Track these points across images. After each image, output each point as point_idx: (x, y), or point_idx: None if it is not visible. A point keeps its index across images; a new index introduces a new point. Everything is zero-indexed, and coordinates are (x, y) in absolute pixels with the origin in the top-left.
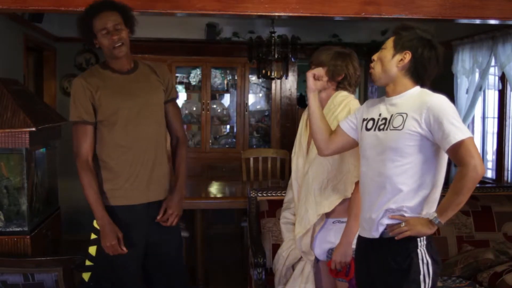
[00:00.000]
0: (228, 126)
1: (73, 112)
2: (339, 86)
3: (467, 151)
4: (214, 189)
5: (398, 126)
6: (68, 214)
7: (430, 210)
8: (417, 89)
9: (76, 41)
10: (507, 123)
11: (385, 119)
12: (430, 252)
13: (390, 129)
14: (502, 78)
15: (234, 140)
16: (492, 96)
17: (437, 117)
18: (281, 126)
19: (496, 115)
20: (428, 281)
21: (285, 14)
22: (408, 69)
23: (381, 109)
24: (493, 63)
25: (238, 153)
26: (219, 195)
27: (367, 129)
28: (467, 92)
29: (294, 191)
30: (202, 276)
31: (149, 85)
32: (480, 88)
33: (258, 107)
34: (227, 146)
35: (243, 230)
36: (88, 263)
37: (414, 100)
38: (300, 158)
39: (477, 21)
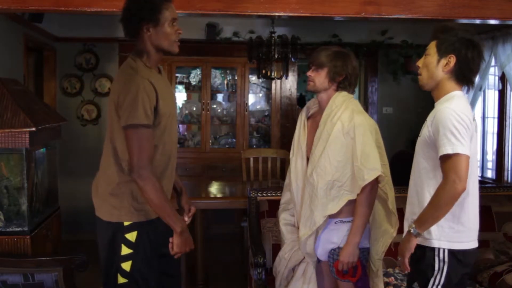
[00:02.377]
0: (228, 126)
1: (141, 114)
2: (340, 87)
3: (451, 166)
4: (214, 189)
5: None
6: (68, 214)
7: None
8: (451, 95)
9: (76, 41)
10: (507, 123)
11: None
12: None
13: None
14: (502, 78)
15: (234, 140)
16: (492, 96)
17: (437, 127)
18: (281, 126)
19: (496, 115)
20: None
21: (285, 14)
22: (454, 72)
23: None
24: (493, 63)
25: (238, 153)
26: (219, 195)
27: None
28: (467, 92)
29: (293, 192)
30: (202, 276)
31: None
32: (480, 88)
33: (258, 107)
34: (227, 146)
35: (243, 230)
36: (121, 280)
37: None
38: (299, 159)
39: (477, 21)
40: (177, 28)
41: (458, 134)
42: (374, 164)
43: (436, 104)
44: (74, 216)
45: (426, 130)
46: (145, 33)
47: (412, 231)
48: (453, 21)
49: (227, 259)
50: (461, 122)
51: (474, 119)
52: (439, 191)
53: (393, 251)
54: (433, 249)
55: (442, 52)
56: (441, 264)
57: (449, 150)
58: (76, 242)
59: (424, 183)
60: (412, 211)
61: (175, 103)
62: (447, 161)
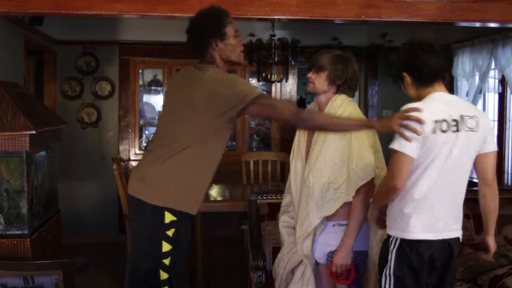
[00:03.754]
0: None
1: (252, 88)
2: (340, 89)
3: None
4: (214, 192)
5: None
6: (68, 217)
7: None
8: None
9: (76, 44)
10: (507, 126)
11: None
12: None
13: None
14: (502, 81)
15: (234, 143)
16: (492, 99)
17: None
18: (281, 129)
19: (496, 118)
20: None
21: (285, 17)
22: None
23: None
24: (493, 66)
25: (238, 156)
26: (219, 198)
27: None
28: (467, 95)
29: (293, 194)
30: (202, 279)
31: None
32: (480, 91)
33: None
34: (227, 149)
35: (243, 233)
36: (164, 276)
37: None
38: (298, 162)
39: (477, 24)
40: (240, 39)
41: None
42: (368, 166)
43: None
44: (74, 219)
45: None
46: (213, 48)
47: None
48: (453, 24)
49: (227, 262)
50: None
51: (454, 119)
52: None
53: None
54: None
55: (400, 77)
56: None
57: (392, 145)
58: (76, 245)
59: None
60: None
61: None
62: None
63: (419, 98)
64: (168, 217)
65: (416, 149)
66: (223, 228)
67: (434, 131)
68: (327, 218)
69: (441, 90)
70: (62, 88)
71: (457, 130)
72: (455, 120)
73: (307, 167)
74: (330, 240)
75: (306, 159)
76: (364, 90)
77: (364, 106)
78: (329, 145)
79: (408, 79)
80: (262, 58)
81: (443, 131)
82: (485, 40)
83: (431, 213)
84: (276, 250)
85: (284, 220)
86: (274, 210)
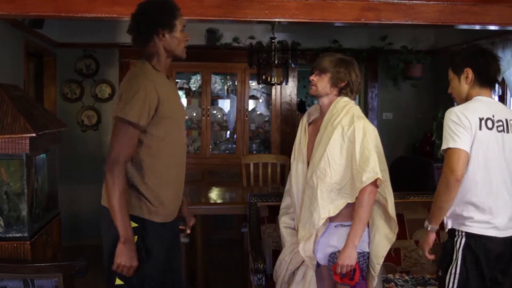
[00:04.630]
0: (228, 132)
1: (134, 112)
2: (342, 92)
3: (445, 160)
4: (214, 194)
5: None
6: (68, 219)
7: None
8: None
9: (76, 47)
10: None
11: None
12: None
13: None
14: (502, 84)
15: (234, 145)
16: None
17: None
18: (281, 131)
19: None
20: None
21: (285, 19)
22: (475, 80)
23: None
24: None
25: (238, 158)
26: (219, 201)
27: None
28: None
29: (294, 196)
30: (202, 282)
31: None
32: None
33: (258, 112)
34: (227, 151)
35: (243, 236)
36: (118, 282)
37: None
38: (300, 164)
39: (477, 27)
40: (185, 34)
41: (452, 131)
42: (372, 167)
43: None
44: (74, 221)
45: None
46: (159, 38)
47: (426, 226)
48: (452, 27)
49: (227, 264)
50: (454, 120)
51: (499, 120)
52: (438, 184)
53: (393, 256)
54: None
55: (459, 71)
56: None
57: (444, 146)
58: (76, 247)
59: None
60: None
61: (182, 110)
62: (445, 156)
63: (465, 97)
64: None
65: (467, 144)
66: (223, 230)
67: (480, 128)
68: (330, 219)
69: (490, 96)
70: (62, 91)
71: (504, 131)
72: (500, 121)
73: (310, 168)
74: (333, 241)
75: (308, 160)
76: (364, 92)
77: (364, 108)
78: (333, 146)
79: (471, 75)
80: (262, 61)
81: (489, 129)
82: (485, 42)
83: (495, 211)
84: (276, 253)
85: (284, 221)
86: (274, 212)
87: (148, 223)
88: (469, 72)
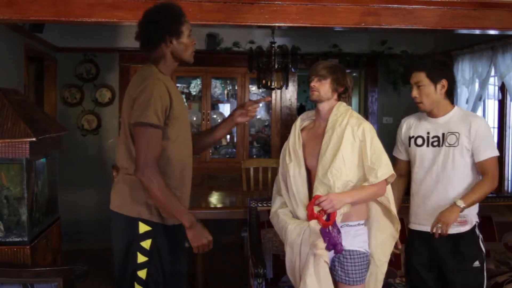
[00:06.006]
0: (228, 136)
1: (151, 114)
2: (341, 97)
3: (494, 165)
4: (214, 199)
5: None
6: (68, 224)
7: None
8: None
9: (76, 51)
10: (507, 133)
11: (437, 136)
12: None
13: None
14: (502, 88)
15: (234, 150)
16: (492, 106)
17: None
18: (281, 136)
19: (496, 125)
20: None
21: (285, 24)
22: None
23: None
24: (493, 73)
25: (238, 163)
26: (219, 205)
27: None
28: (467, 102)
29: (294, 194)
30: (202, 286)
31: None
32: (480, 98)
33: (258, 117)
34: (227, 156)
35: (243, 240)
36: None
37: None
38: (296, 166)
39: (477, 32)
40: (193, 39)
41: (492, 139)
42: (386, 163)
43: (444, 117)
44: (74, 226)
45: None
46: (167, 45)
47: (459, 203)
48: (452, 32)
49: (227, 269)
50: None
51: None
52: (483, 184)
53: (393, 261)
54: None
55: (436, 80)
56: None
57: (490, 153)
58: (76, 252)
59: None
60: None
61: (187, 112)
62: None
63: (437, 105)
64: (143, 228)
65: None
66: (223, 235)
67: None
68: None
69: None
70: (62, 95)
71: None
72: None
73: (321, 168)
74: None
75: (305, 162)
76: (364, 97)
77: (364, 113)
78: (346, 145)
79: (446, 86)
80: (262, 65)
81: None
82: (485, 47)
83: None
84: (276, 257)
85: (283, 212)
86: None
87: (160, 226)
88: (445, 84)
